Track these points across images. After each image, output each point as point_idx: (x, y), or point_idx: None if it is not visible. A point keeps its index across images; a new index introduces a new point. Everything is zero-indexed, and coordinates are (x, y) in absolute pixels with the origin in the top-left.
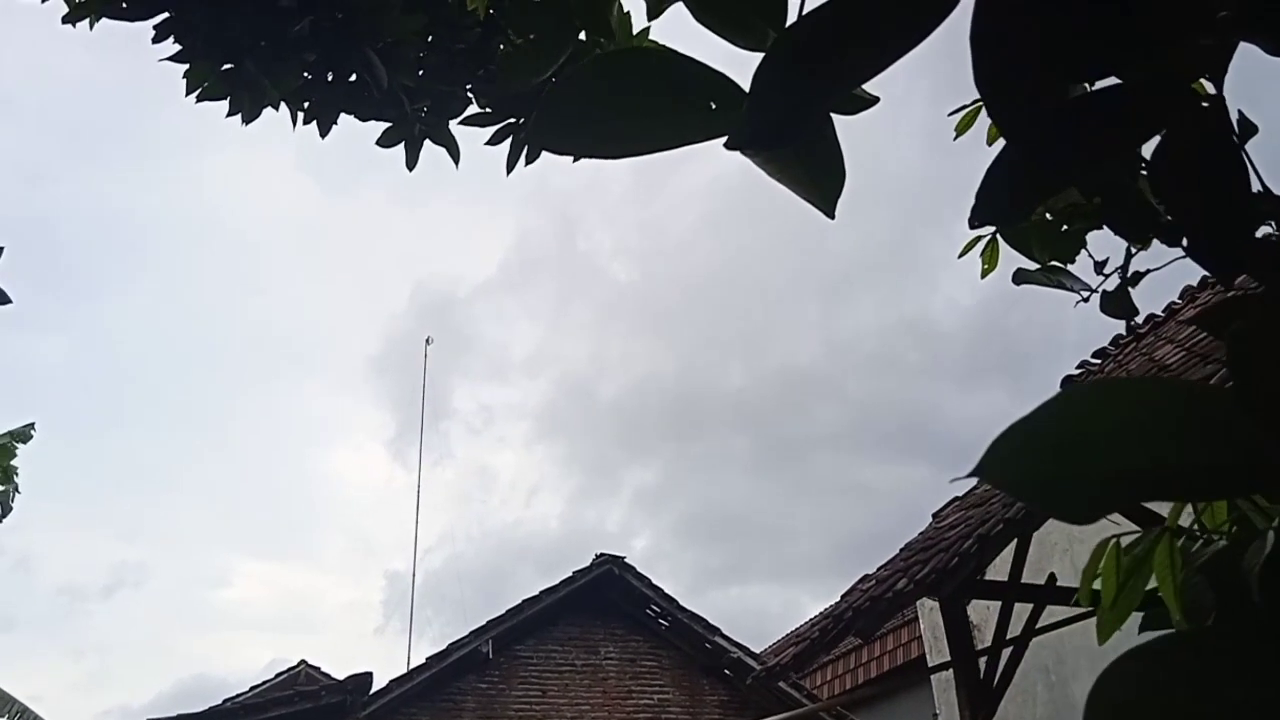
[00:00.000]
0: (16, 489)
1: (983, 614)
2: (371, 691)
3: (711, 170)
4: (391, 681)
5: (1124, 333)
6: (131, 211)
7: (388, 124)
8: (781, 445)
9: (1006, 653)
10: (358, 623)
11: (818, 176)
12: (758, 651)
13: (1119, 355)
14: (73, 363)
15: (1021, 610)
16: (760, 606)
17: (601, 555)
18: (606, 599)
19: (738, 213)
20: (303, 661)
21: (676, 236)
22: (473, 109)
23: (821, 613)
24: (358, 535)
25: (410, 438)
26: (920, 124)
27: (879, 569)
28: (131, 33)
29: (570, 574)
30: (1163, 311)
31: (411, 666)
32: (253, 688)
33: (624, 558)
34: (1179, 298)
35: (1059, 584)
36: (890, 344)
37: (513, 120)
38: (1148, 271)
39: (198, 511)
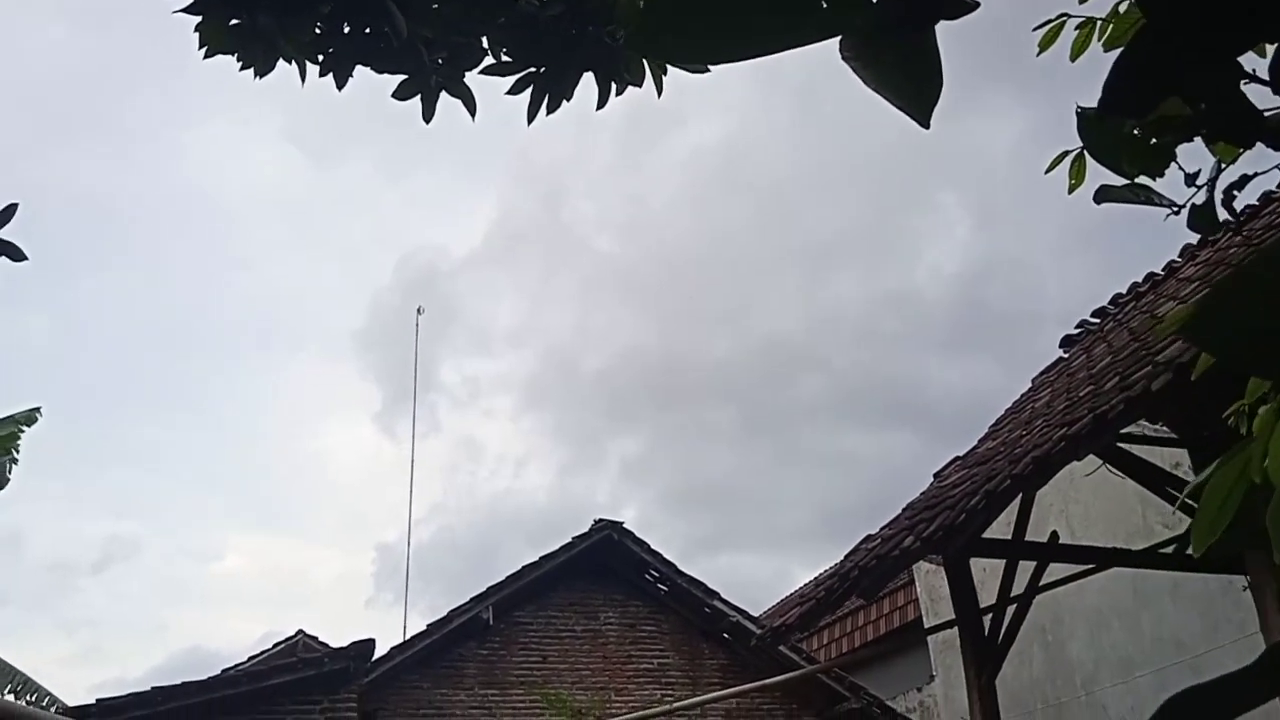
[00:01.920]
0: (14, 460)
1: (979, 575)
2: (373, 659)
3: (693, 143)
4: (393, 648)
5: (1123, 292)
6: (116, 186)
7: (403, 76)
8: (766, 415)
9: (1010, 610)
10: (349, 595)
11: (917, 84)
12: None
13: (1119, 314)
14: (60, 339)
15: (1019, 571)
16: (749, 575)
17: (600, 521)
18: (605, 564)
19: (719, 185)
20: (300, 631)
21: (660, 208)
22: (488, 60)
23: (825, 572)
24: (347, 508)
25: (397, 410)
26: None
27: (883, 528)
28: (111, 7)
29: (569, 540)
30: (1163, 270)
31: (409, 635)
32: (251, 658)
33: (622, 523)
34: (1179, 256)
35: (1060, 543)
36: (873, 314)
37: (533, 69)
38: (1254, 176)
39: (186, 485)
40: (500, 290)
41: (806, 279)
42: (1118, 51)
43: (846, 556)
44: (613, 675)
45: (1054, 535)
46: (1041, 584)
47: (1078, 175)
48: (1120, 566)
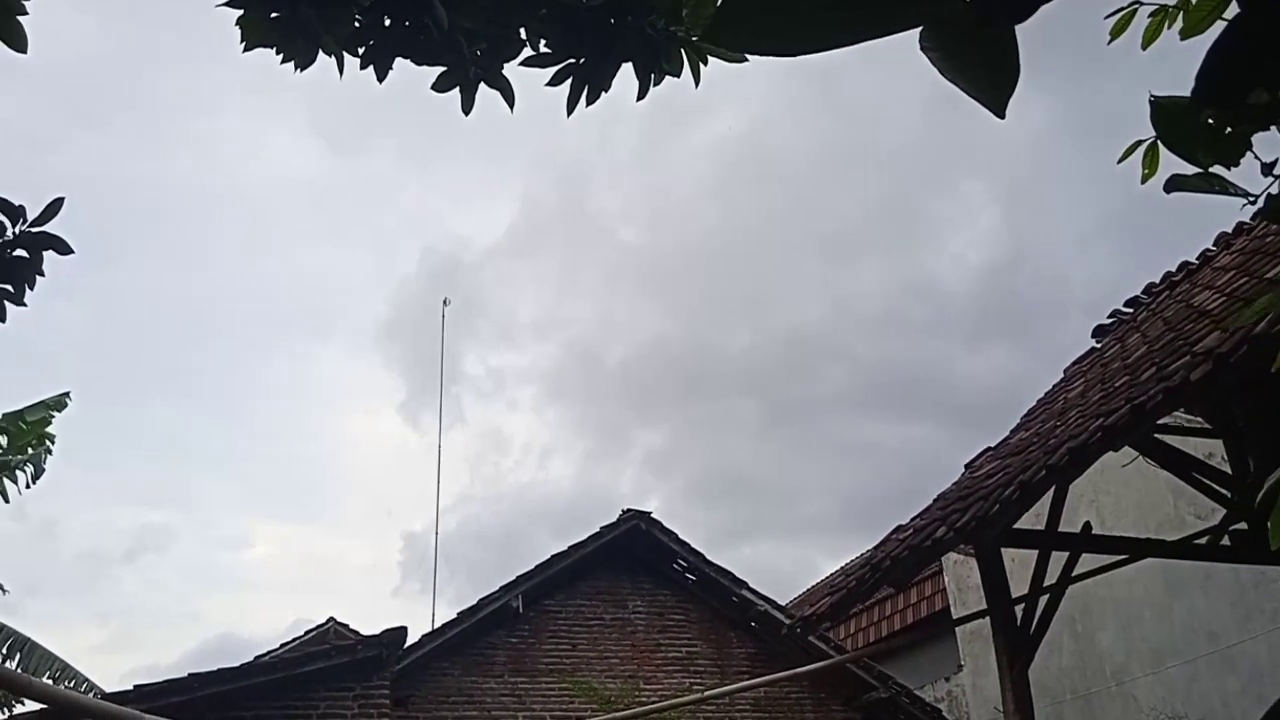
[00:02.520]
0: (49, 451)
1: (1007, 565)
2: (405, 646)
3: (715, 133)
4: (424, 636)
5: (1156, 281)
6: (143, 178)
7: (442, 69)
8: (789, 406)
9: (1043, 601)
10: (376, 584)
11: (997, 76)
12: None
13: (1152, 304)
14: (90, 330)
15: (1050, 562)
16: (772, 565)
17: (628, 510)
18: (633, 554)
19: (741, 176)
20: (331, 619)
21: (682, 199)
22: (527, 52)
23: (854, 561)
24: (373, 498)
25: (422, 400)
26: (921, 86)
27: (914, 518)
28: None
29: (598, 529)
30: (1197, 259)
31: (438, 623)
32: (283, 645)
33: (650, 512)
34: (1214, 244)
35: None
36: (896, 304)
37: (573, 61)
38: None
39: (215, 474)
40: (524, 281)
41: (829, 269)
42: (1177, 41)
43: (877, 546)
44: (641, 664)
45: (1087, 526)
46: (1074, 574)
47: (1151, 165)
48: (1154, 557)
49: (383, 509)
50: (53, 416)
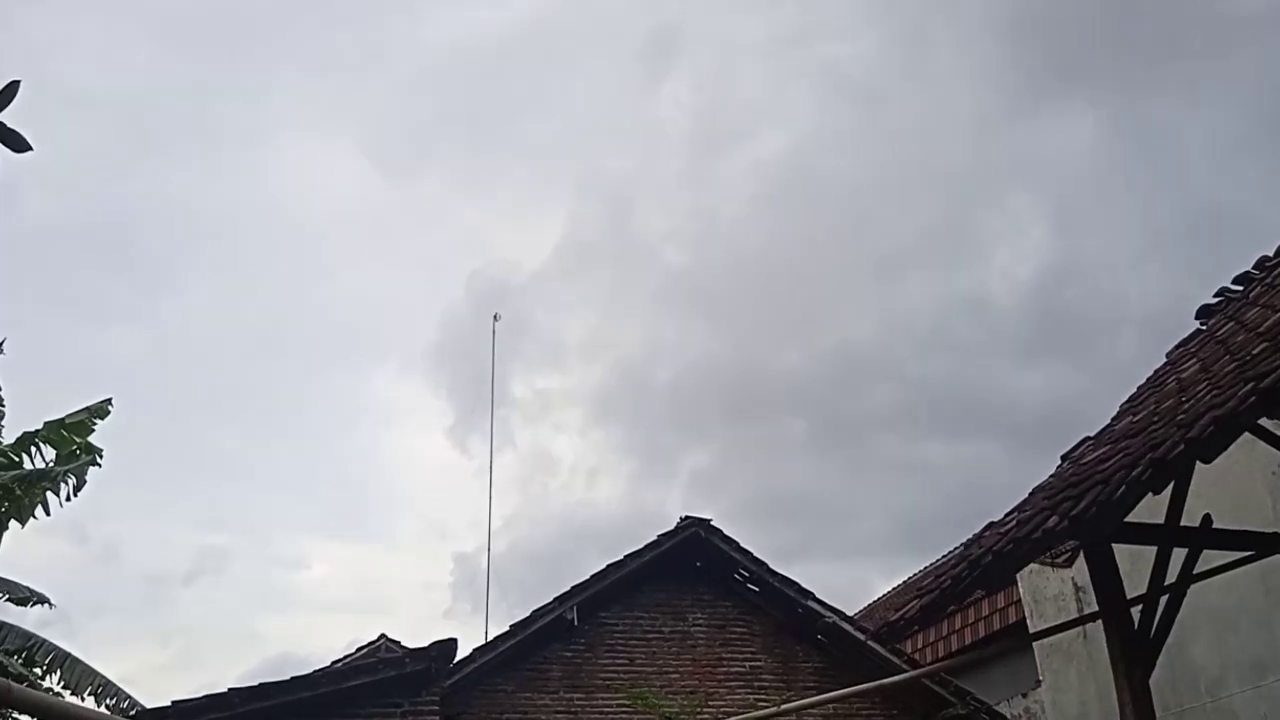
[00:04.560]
0: (94, 461)
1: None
2: (455, 660)
3: (760, 154)
4: (475, 650)
5: (1270, 254)
6: (200, 203)
7: None
8: (839, 425)
9: (1163, 601)
10: (429, 605)
11: None
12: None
13: (1266, 278)
14: (149, 353)
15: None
16: (825, 585)
17: (687, 518)
18: (693, 564)
19: (787, 195)
20: (383, 635)
21: (728, 219)
22: None
23: (937, 562)
24: (425, 519)
25: (471, 423)
26: (968, 103)
27: (1011, 512)
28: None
29: (655, 538)
30: None
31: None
32: (334, 661)
33: (710, 520)
34: None
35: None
36: (947, 321)
37: None
38: None
39: (272, 497)
40: (570, 303)
41: (879, 287)
42: None
43: (968, 544)
44: (703, 679)
45: (1207, 519)
46: (1195, 573)
47: None
48: None
49: (435, 530)
50: (95, 424)
